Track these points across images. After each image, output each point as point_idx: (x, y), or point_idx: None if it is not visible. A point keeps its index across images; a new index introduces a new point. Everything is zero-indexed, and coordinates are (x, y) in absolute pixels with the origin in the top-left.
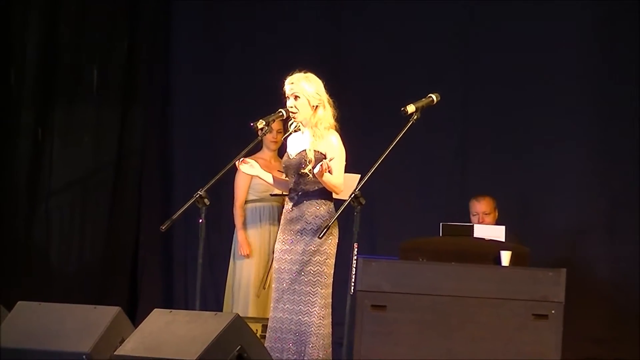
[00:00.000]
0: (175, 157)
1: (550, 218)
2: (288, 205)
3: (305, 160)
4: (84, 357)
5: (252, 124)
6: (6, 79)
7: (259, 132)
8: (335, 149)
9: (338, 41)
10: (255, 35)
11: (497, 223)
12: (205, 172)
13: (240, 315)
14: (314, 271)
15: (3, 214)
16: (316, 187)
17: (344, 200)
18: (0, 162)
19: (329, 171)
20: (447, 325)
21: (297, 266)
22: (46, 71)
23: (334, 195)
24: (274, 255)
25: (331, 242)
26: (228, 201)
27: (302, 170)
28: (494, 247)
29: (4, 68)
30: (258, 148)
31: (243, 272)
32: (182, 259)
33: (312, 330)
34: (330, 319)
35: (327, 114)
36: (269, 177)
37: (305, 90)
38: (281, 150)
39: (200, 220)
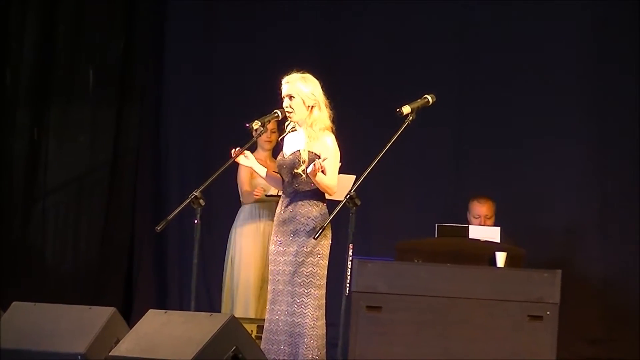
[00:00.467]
0: (170, 157)
1: (545, 219)
2: (281, 205)
3: (299, 161)
4: (79, 357)
5: (247, 125)
6: (2, 78)
7: (254, 133)
8: (329, 149)
9: (335, 41)
10: (251, 35)
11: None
12: (200, 172)
13: (240, 316)
14: (307, 272)
15: (1, 214)
16: (309, 188)
17: (339, 201)
18: None
19: (322, 171)
20: (443, 326)
21: (291, 267)
22: (42, 71)
23: (329, 196)
24: (269, 257)
25: (324, 244)
26: (222, 202)
27: (295, 170)
28: (490, 248)
29: (0, 68)
30: (253, 148)
31: (242, 272)
32: (176, 259)
33: (305, 332)
34: (324, 320)
35: (322, 115)
36: (262, 171)
37: (300, 91)
38: (276, 151)
39: (196, 221)
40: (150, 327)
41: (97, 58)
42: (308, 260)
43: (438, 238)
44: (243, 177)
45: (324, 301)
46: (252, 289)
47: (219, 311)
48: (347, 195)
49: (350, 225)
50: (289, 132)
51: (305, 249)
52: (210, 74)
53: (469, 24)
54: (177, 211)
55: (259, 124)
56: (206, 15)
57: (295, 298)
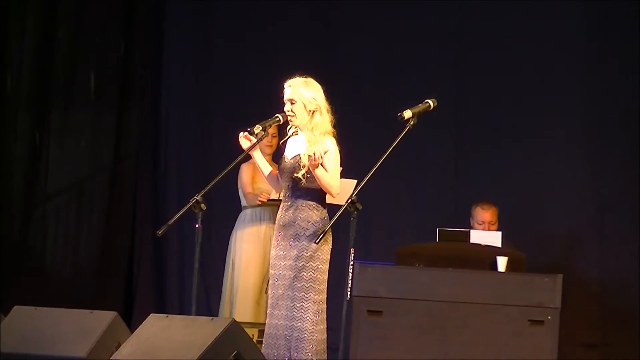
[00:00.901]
0: (169, 160)
1: (543, 223)
2: (281, 209)
3: (299, 165)
4: None
5: (248, 129)
6: (3, 82)
7: (255, 137)
8: (330, 151)
9: (333, 42)
10: (250, 36)
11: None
12: (200, 176)
13: (238, 320)
14: (307, 277)
15: (0, 218)
16: (310, 193)
17: (340, 206)
18: None
19: (322, 165)
20: (443, 330)
21: (291, 272)
22: (42, 75)
23: (331, 200)
24: (270, 261)
25: (325, 248)
26: (219, 207)
27: (295, 175)
28: (491, 252)
29: (1, 72)
30: None
31: (241, 276)
32: (176, 264)
33: (305, 336)
34: (325, 325)
35: (323, 119)
36: (266, 170)
37: (302, 95)
38: (276, 155)
39: (197, 225)
40: (151, 331)
41: (98, 62)
42: (308, 265)
43: (439, 242)
44: (245, 180)
45: (325, 306)
46: (252, 293)
47: (217, 316)
48: (348, 200)
49: (352, 230)
50: (290, 135)
51: (306, 254)
52: (210, 76)
53: (467, 24)
54: (178, 215)
55: (260, 128)
56: (205, 17)
57: (295, 302)
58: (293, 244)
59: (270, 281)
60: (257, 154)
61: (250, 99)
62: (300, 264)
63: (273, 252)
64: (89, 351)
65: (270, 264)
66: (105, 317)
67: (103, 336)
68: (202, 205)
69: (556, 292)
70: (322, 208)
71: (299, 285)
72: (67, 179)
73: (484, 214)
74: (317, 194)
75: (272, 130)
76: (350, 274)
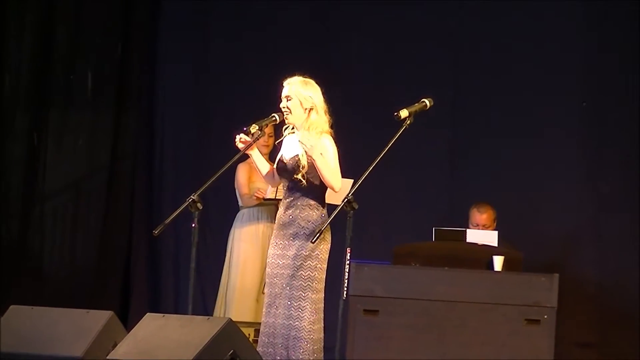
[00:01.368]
0: (165, 160)
1: (540, 222)
2: (281, 209)
3: (299, 166)
4: None
5: (245, 129)
6: (1, 82)
7: (252, 137)
8: (327, 148)
9: (332, 42)
10: (250, 37)
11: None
12: (196, 175)
13: (236, 319)
14: (305, 276)
15: None
16: (309, 192)
17: (337, 205)
18: None
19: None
20: (440, 330)
21: (289, 271)
22: (41, 75)
23: (328, 200)
24: (267, 260)
25: (323, 248)
26: (216, 206)
27: (295, 176)
28: (487, 252)
29: None
30: None
31: (239, 276)
32: (171, 264)
33: (302, 335)
34: (322, 324)
35: (320, 119)
36: (263, 167)
37: (299, 93)
38: (273, 154)
39: (193, 225)
40: (147, 330)
41: (96, 62)
42: (307, 264)
43: (435, 242)
44: (241, 180)
45: (322, 305)
46: (251, 292)
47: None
48: (344, 199)
49: (348, 229)
50: (286, 135)
51: (304, 253)
52: (208, 77)
53: (467, 24)
54: (174, 215)
55: (257, 127)
56: (203, 17)
57: (293, 301)
58: (291, 243)
59: (267, 280)
60: (255, 154)
61: (249, 99)
62: (299, 263)
63: (271, 251)
64: (85, 351)
65: (268, 263)
66: (101, 317)
67: (99, 336)
68: (199, 205)
69: (553, 291)
70: (321, 207)
71: (296, 284)
72: (65, 179)
73: (480, 216)
74: (317, 194)
75: (268, 129)
76: (347, 273)
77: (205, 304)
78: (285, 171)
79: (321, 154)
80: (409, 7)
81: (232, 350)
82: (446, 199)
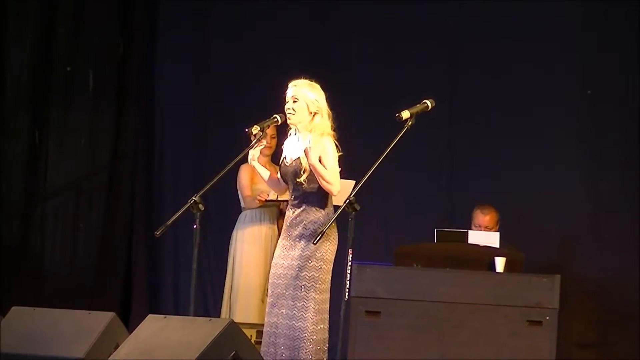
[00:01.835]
0: (165, 160)
1: (540, 223)
2: (289, 211)
3: (301, 169)
4: None
5: (246, 130)
6: (2, 81)
7: (253, 138)
8: (327, 150)
9: (332, 42)
10: (249, 37)
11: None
12: (196, 175)
13: (241, 321)
14: (309, 277)
15: (0, 217)
16: (315, 194)
17: (339, 207)
18: None
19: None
20: (441, 331)
21: (292, 271)
22: (42, 74)
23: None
24: (272, 261)
25: (328, 248)
26: (216, 207)
27: (297, 179)
28: (489, 253)
29: (0, 71)
30: None
31: (242, 277)
32: (171, 265)
33: (305, 336)
34: (327, 325)
35: (323, 122)
36: (265, 174)
37: (306, 95)
38: (274, 156)
39: (195, 226)
40: (149, 332)
41: (97, 61)
42: (311, 264)
43: (437, 243)
44: (244, 182)
45: (327, 306)
46: (255, 293)
47: (214, 316)
48: (346, 200)
49: (350, 230)
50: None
51: (308, 253)
52: (208, 76)
53: (466, 24)
54: (176, 216)
55: (258, 128)
56: (203, 16)
57: (297, 302)
58: (296, 244)
59: (270, 280)
60: (254, 163)
61: (249, 99)
62: (302, 264)
63: (276, 252)
64: (87, 352)
65: (272, 263)
66: (103, 318)
67: (101, 337)
68: (200, 206)
69: (554, 292)
70: (327, 208)
71: (300, 284)
72: (66, 178)
73: (483, 217)
74: (322, 195)
75: (270, 131)
76: (349, 275)
77: (205, 305)
78: (288, 174)
79: (320, 156)
80: (409, 7)
81: (234, 352)
82: (446, 199)
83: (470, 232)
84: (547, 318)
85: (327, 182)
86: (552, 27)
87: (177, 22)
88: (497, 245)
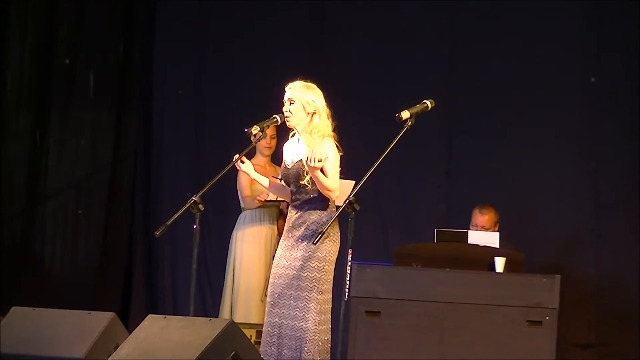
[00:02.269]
0: (164, 161)
1: (539, 223)
2: (291, 212)
3: (303, 172)
4: None
5: (246, 130)
6: (3, 82)
7: (253, 138)
8: (329, 153)
9: (331, 42)
10: (249, 37)
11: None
12: (196, 175)
13: (241, 321)
14: (310, 277)
15: (0, 217)
16: (316, 196)
17: (339, 207)
18: None
19: (322, 171)
20: (441, 331)
21: (293, 272)
22: (43, 75)
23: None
24: (273, 261)
25: (330, 249)
26: (215, 208)
27: (300, 182)
28: (489, 253)
29: (1, 71)
30: (252, 154)
31: (242, 277)
32: (170, 265)
33: (307, 336)
34: (329, 325)
35: (322, 123)
36: (265, 181)
37: (301, 96)
38: (274, 156)
39: (195, 227)
40: (149, 332)
41: (97, 62)
42: (313, 264)
43: (437, 243)
44: (243, 182)
45: (329, 306)
46: (255, 293)
47: (214, 316)
48: (346, 201)
49: (349, 231)
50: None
51: (311, 254)
52: (208, 77)
53: (466, 23)
54: (176, 216)
55: (258, 129)
56: (203, 17)
57: (298, 302)
58: (298, 245)
59: (270, 280)
60: (251, 172)
61: (249, 99)
62: (303, 264)
63: (278, 252)
64: (87, 352)
65: (273, 263)
66: (103, 318)
67: (101, 337)
68: (200, 206)
69: (554, 292)
70: (329, 209)
71: (301, 284)
72: (67, 179)
73: (481, 217)
74: (324, 197)
75: (270, 131)
76: (349, 275)
77: (205, 305)
78: (290, 177)
79: (320, 159)
80: (409, 7)
81: (233, 352)
82: (445, 199)
83: (470, 232)
84: (547, 318)
85: (327, 189)
86: (552, 27)
87: (177, 23)
88: (497, 245)
